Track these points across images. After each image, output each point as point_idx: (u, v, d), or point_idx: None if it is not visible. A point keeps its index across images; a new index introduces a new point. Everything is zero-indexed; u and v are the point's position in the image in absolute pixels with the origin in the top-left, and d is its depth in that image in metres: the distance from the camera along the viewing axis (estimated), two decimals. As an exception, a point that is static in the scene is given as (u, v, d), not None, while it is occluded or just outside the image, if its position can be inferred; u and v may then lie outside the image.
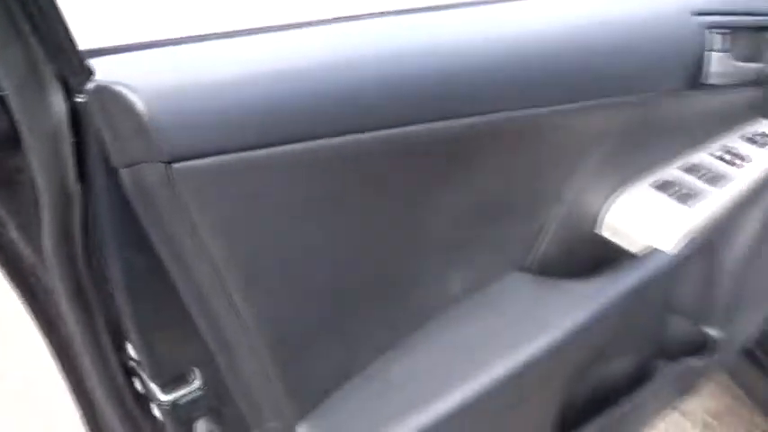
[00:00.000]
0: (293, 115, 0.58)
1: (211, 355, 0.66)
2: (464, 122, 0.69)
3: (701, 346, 1.14)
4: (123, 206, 0.56)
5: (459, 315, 0.81)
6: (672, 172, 0.94)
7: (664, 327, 1.09)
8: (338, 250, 0.67)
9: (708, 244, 0.98)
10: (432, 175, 0.71)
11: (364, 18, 0.67)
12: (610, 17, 0.81)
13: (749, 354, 1.44)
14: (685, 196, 0.91)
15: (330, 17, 0.65)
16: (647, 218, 0.89)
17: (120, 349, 0.69)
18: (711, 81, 0.89)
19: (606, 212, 0.91)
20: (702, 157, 0.97)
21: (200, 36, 0.60)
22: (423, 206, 0.72)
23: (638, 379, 1.05)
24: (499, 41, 0.73)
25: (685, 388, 1.17)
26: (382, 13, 0.69)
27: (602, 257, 0.91)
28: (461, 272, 0.81)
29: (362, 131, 0.62)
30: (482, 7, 0.75)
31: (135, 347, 0.65)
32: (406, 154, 0.67)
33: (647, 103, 0.85)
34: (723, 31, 0.88)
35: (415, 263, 0.75)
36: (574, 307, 0.80)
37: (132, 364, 0.68)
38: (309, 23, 0.64)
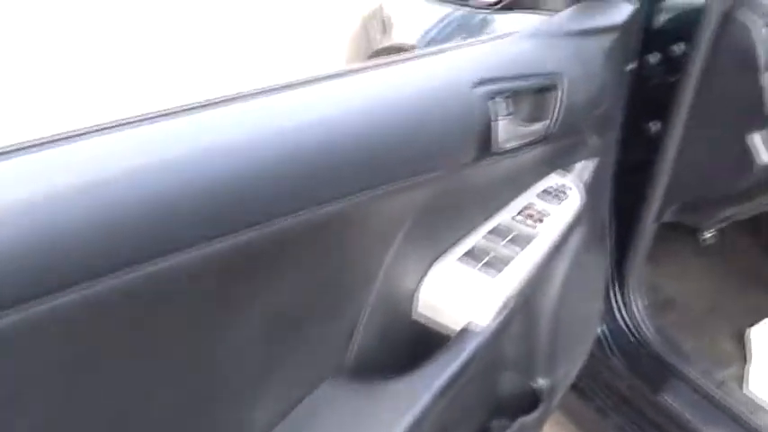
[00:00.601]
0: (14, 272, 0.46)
1: None
2: (246, 236, 0.61)
3: (531, 400, 1.15)
4: None
5: None
6: (478, 241, 0.93)
7: (494, 391, 1.07)
8: (105, 418, 0.55)
9: (523, 302, 0.97)
10: (217, 300, 0.62)
11: (104, 131, 0.56)
12: (393, 102, 0.78)
13: (576, 387, 1.49)
14: (493, 263, 0.89)
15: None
16: (459, 293, 0.86)
17: None
18: (501, 147, 0.89)
19: (419, 293, 0.87)
20: (505, 220, 0.97)
21: None
22: (213, 337, 0.62)
23: None
24: (277, 137, 0.66)
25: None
26: (127, 123, 0.59)
27: (423, 340, 0.86)
28: (271, 395, 0.72)
29: (117, 270, 0.52)
30: (252, 101, 0.67)
31: None
32: (174, 288, 0.57)
33: (443, 178, 0.83)
34: (504, 97, 0.88)
35: (211, 400, 0.64)
36: (400, 410, 0.74)
37: None
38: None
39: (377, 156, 0.75)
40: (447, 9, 1.44)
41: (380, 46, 1.88)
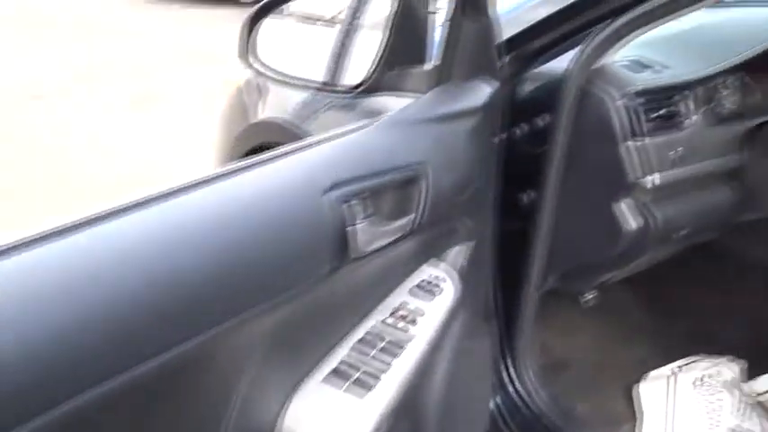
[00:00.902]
0: None
1: None
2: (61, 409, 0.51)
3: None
4: None
5: None
6: (345, 355, 0.85)
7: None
8: None
9: (402, 413, 0.90)
10: None
11: None
12: (232, 222, 0.70)
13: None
14: (362, 381, 0.82)
15: None
16: (324, 422, 0.78)
17: None
18: (362, 252, 0.83)
19: (282, 425, 0.78)
20: (375, 326, 0.90)
21: None
22: None
23: None
24: (93, 281, 0.57)
25: None
26: None
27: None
28: None
29: None
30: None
31: None
32: None
33: (299, 296, 0.76)
34: (362, 198, 0.83)
35: None
36: None
37: None
38: None
39: (217, 286, 0.66)
40: (312, 91, 1.40)
41: (253, 120, 1.83)
